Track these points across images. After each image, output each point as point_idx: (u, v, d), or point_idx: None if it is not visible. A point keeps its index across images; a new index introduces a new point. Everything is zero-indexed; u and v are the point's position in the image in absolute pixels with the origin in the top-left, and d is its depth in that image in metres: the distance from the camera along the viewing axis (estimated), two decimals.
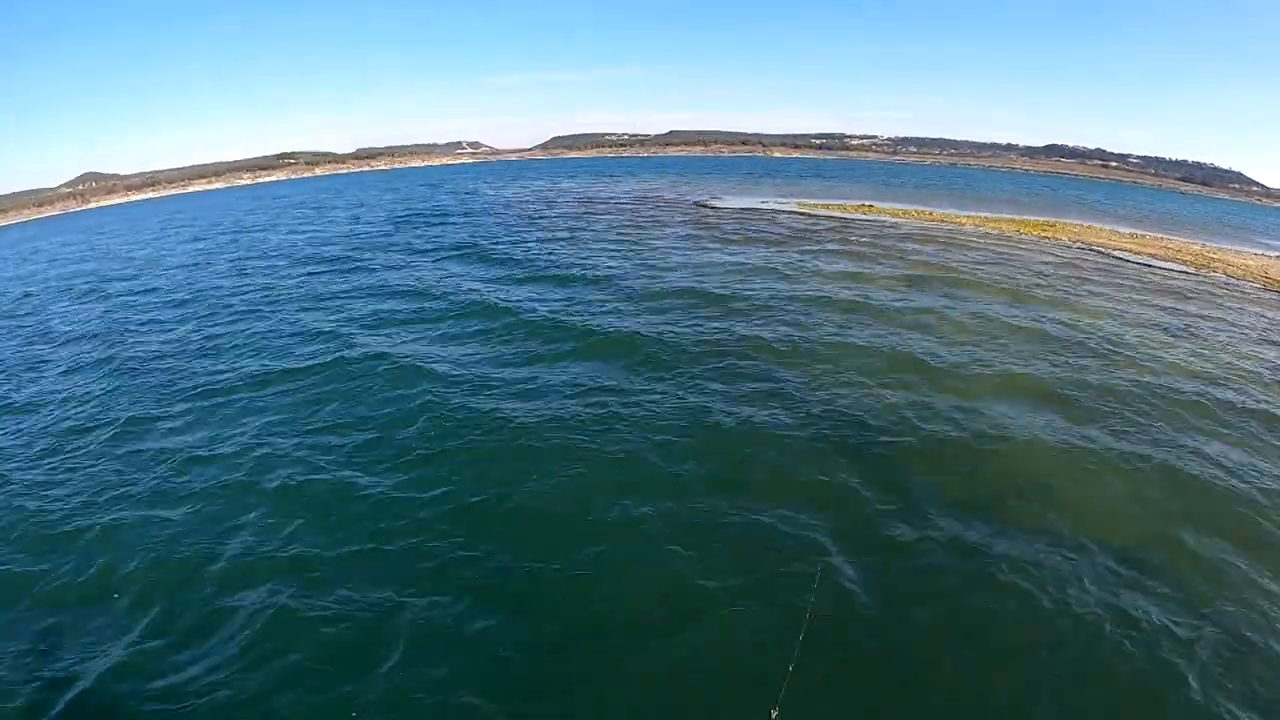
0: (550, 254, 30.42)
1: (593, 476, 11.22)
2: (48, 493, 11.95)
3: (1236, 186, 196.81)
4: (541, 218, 45.61)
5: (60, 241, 64.61)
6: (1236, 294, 27.84)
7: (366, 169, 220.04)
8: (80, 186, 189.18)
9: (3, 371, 19.84)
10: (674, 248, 31.58)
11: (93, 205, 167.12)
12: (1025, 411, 13.92)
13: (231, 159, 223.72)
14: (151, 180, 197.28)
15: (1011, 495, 10.86)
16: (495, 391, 14.80)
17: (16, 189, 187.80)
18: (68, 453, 13.56)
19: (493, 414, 13.46)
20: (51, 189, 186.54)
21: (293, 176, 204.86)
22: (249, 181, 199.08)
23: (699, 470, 11.38)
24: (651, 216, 44.54)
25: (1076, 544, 9.65)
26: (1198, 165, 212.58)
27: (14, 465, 13.25)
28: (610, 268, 26.92)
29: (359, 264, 31.08)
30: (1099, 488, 11.24)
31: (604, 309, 20.95)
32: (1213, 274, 32.13)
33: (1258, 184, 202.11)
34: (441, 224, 45.03)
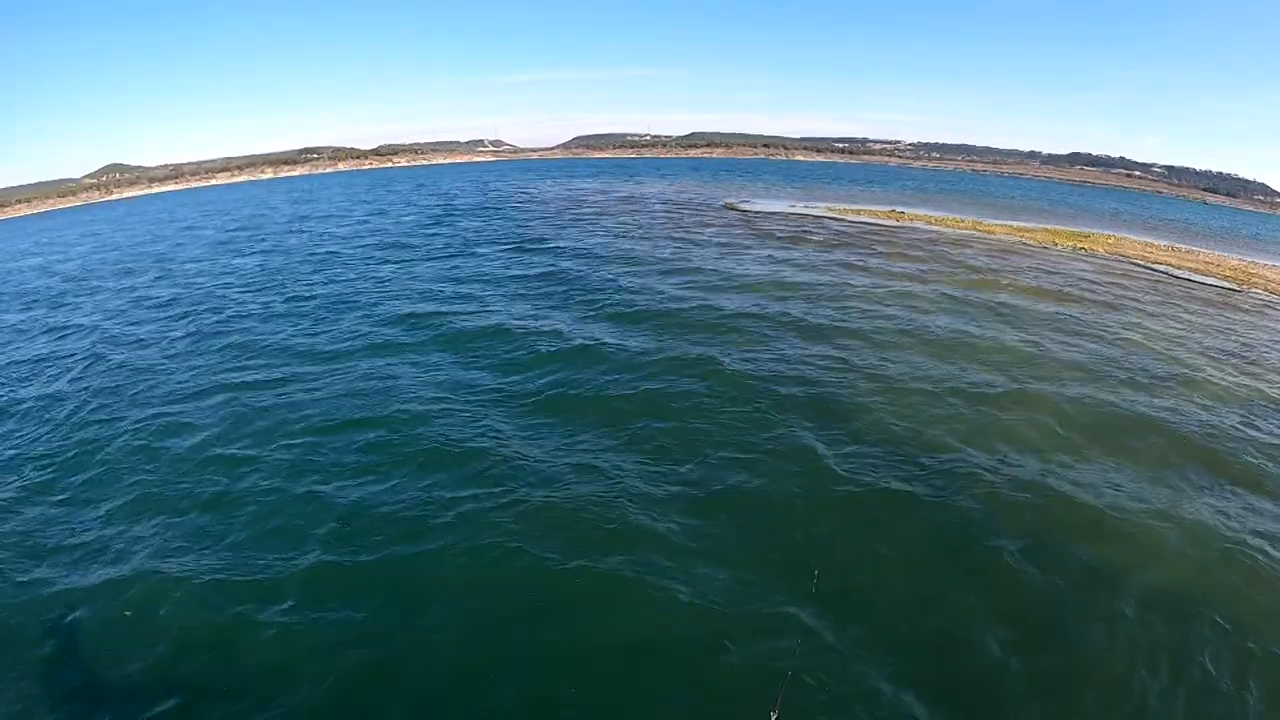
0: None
1: None
2: None
3: (1261, 198, 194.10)
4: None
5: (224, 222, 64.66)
6: None
7: (389, 165, 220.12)
8: (104, 177, 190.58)
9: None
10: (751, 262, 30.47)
11: (115, 196, 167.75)
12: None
13: (253, 153, 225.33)
14: (175, 173, 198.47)
15: None
16: None
17: (40, 179, 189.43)
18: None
19: None
20: (76, 180, 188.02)
21: (314, 172, 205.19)
22: (270, 175, 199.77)
23: None
24: (699, 220, 43.94)
25: None
26: (1221, 176, 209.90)
27: None
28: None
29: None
30: None
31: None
32: (1257, 291, 31.47)
33: None
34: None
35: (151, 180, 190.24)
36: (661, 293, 23.81)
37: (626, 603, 8.69)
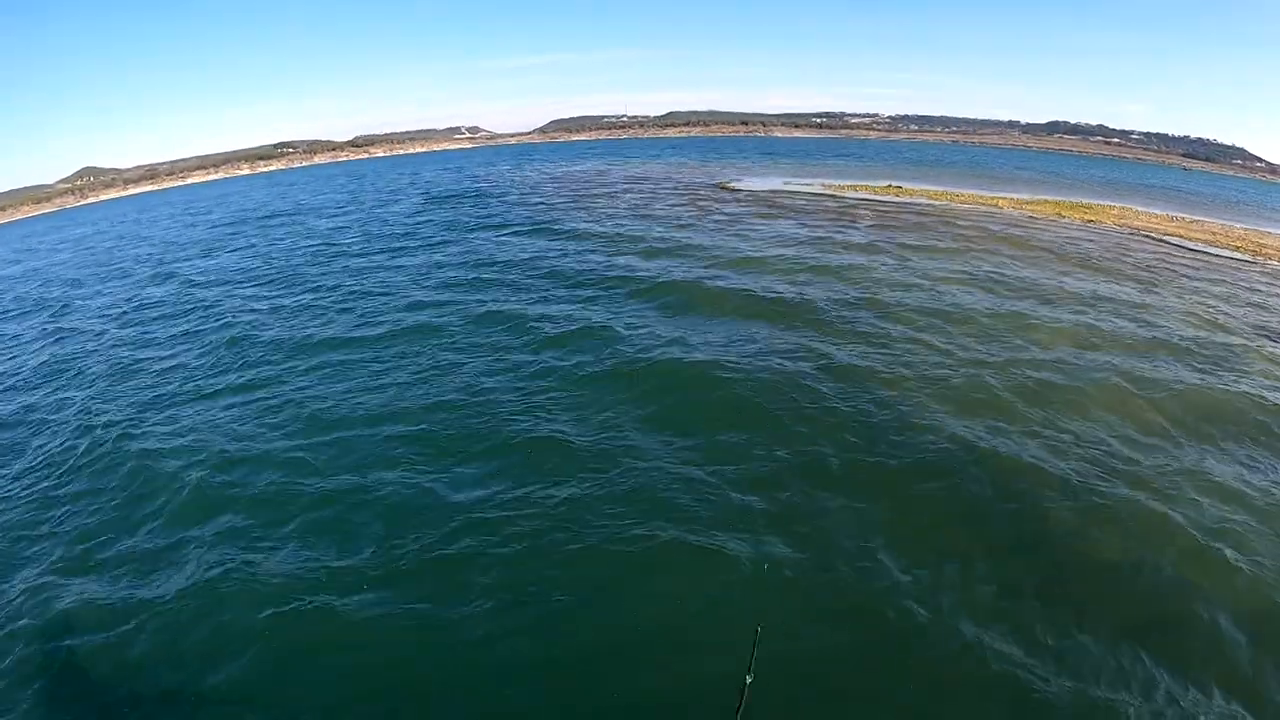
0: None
1: None
2: None
3: (1240, 163, 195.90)
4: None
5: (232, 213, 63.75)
6: None
7: (365, 156, 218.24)
8: (79, 182, 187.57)
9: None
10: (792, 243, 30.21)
11: (90, 200, 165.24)
12: None
13: (229, 149, 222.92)
14: (150, 173, 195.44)
15: None
16: None
17: (14, 186, 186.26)
18: None
19: None
20: (50, 185, 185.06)
21: (290, 166, 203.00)
22: (247, 171, 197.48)
23: None
24: (704, 207, 42.62)
25: None
26: (1200, 141, 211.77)
27: None
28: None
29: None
30: None
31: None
32: (1270, 261, 31.54)
33: (1261, 160, 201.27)
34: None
35: (127, 182, 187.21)
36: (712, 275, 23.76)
37: None
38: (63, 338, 23.86)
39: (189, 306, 25.49)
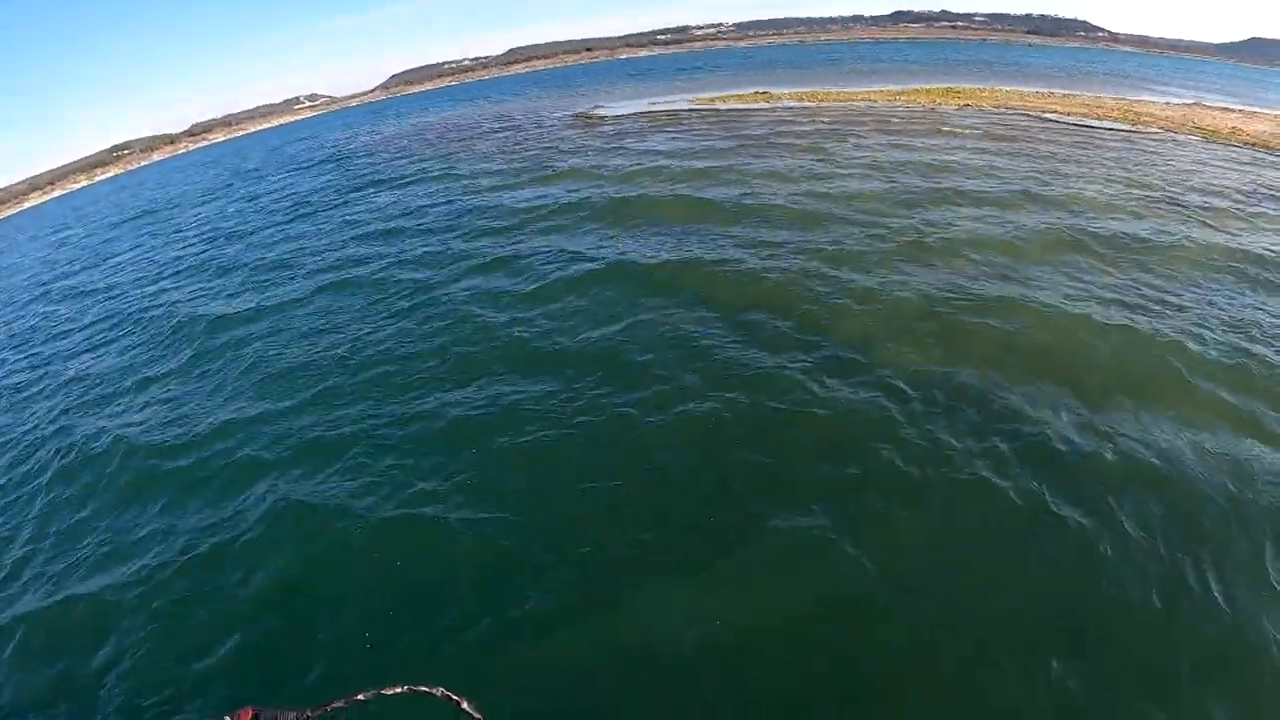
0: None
1: None
2: None
3: (1083, 34, 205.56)
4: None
5: None
6: (1195, 148, 29.28)
7: (205, 143, 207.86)
8: None
9: None
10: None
11: None
12: None
13: (59, 164, 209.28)
14: None
15: None
16: None
17: None
18: None
19: None
20: None
21: (129, 168, 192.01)
22: (85, 183, 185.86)
23: None
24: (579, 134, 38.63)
25: None
26: (1042, 17, 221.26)
27: None
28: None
29: None
30: None
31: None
32: (1149, 129, 33.21)
33: (1103, 30, 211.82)
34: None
35: None
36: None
37: None
38: None
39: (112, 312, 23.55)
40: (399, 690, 2.70)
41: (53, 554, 10.35)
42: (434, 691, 2.74)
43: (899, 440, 9.45)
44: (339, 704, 2.62)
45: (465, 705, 2.97)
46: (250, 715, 2.68)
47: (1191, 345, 11.75)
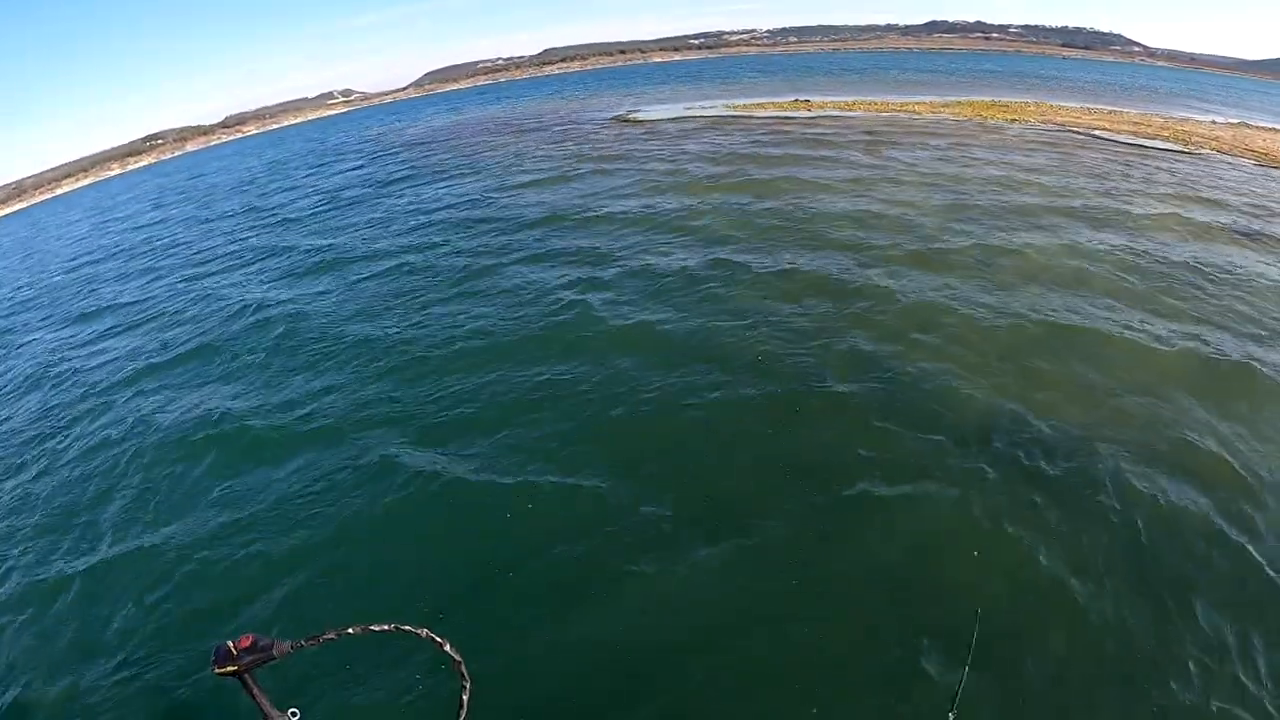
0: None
1: None
2: None
3: (1118, 49, 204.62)
4: None
5: None
6: (1250, 170, 28.48)
7: (238, 135, 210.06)
8: None
9: None
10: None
11: None
12: None
13: (92, 152, 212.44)
14: (17, 191, 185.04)
15: None
16: None
17: None
18: None
19: None
20: None
21: (162, 158, 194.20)
22: (118, 171, 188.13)
23: None
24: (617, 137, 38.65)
25: None
26: (1078, 30, 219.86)
27: None
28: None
29: None
30: None
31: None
32: (1203, 151, 32.18)
33: (1138, 44, 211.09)
34: None
35: None
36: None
37: None
38: None
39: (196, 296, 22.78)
40: (386, 628, 2.84)
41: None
42: (419, 632, 2.86)
43: None
44: (330, 635, 2.81)
45: (447, 648, 3.02)
46: (249, 641, 2.78)
47: None
